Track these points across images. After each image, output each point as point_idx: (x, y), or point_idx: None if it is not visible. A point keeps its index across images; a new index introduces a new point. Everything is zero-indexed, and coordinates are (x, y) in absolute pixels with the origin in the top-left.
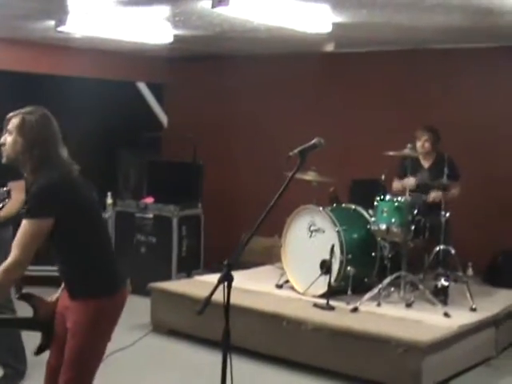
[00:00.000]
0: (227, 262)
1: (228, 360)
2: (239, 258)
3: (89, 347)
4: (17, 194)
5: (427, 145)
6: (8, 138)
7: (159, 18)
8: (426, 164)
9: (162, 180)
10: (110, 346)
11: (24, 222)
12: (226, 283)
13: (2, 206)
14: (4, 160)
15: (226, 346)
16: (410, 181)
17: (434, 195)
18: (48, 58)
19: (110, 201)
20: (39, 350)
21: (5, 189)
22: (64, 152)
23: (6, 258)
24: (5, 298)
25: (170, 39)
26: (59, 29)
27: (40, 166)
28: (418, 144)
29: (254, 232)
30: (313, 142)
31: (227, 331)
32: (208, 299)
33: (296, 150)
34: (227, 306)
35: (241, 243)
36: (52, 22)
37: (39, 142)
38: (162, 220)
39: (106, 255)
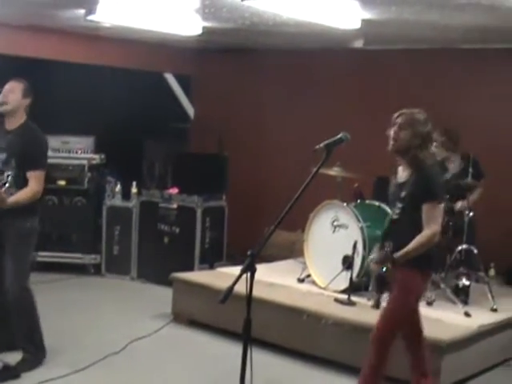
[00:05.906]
0: (251, 252)
1: (248, 351)
2: (262, 249)
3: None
4: (32, 183)
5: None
6: (401, 133)
7: (189, 10)
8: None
9: (187, 171)
10: (131, 334)
11: (428, 205)
12: (249, 273)
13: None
14: (393, 151)
15: (247, 336)
16: None
17: (461, 205)
18: (77, 46)
19: (134, 190)
20: None
21: (6, 174)
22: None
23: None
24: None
25: (199, 31)
26: (89, 18)
27: (419, 156)
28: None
29: (277, 225)
30: (339, 136)
31: (249, 321)
32: (231, 288)
33: (322, 144)
34: (249, 297)
35: (264, 235)
36: (82, 11)
37: (424, 135)
38: (186, 211)
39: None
